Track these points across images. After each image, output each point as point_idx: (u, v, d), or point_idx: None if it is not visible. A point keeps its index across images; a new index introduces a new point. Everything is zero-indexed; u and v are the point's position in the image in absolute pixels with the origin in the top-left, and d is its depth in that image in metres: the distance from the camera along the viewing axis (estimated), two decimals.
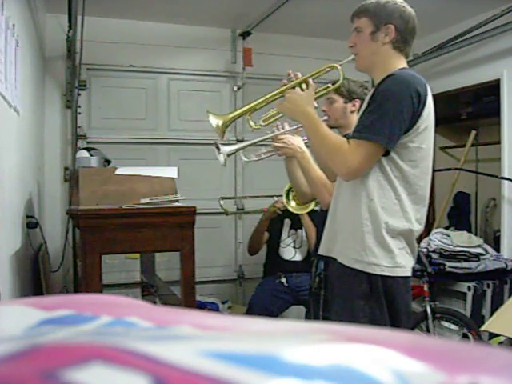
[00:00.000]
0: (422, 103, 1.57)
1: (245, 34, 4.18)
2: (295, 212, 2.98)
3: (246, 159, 2.18)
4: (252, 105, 1.81)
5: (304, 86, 1.75)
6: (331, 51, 4.12)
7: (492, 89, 3.97)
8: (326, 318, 2.14)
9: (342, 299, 1.69)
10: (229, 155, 1.93)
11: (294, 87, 1.75)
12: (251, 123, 1.85)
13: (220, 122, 1.79)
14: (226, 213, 3.70)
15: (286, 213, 3.55)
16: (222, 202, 3.64)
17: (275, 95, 1.79)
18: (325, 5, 3.67)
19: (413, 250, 1.67)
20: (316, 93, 1.79)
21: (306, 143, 2.15)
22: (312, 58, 4.29)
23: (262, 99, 1.80)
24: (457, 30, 3.90)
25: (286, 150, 2.13)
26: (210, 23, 4.15)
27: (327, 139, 1.63)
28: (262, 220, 3.61)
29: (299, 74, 1.78)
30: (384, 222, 1.59)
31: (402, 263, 1.62)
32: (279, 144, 2.12)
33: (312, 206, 2.77)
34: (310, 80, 1.76)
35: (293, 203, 2.87)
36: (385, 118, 1.53)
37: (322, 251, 1.81)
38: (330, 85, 1.90)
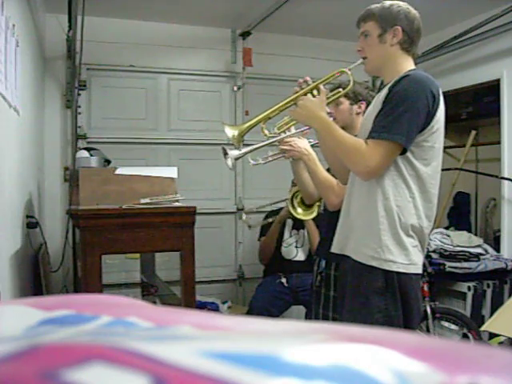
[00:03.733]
0: (436, 104, 1.61)
1: (245, 34, 4.18)
2: (301, 218, 2.95)
3: (253, 162, 2.19)
4: (266, 113, 1.84)
5: (315, 92, 1.78)
6: (331, 51, 4.14)
7: (492, 89, 3.97)
8: (326, 315, 2.17)
9: (356, 296, 1.71)
10: (236, 159, 1.95)
11: (305, 94, 1.78)
12: (266, 132, 1.88)
13: (236, 133, 1.82)
14: (249, 227, 3.65)
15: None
16: (244, 217, 3.60)
17: (288, 103, 1.82)
18: (325, 5, 3.67)
19: (423, 248, 1.71)
20: (327, 98, 1.82)
21: (312, 145, 2.17)
22: (312, 58, 4.31)
23: (275, 107, 1.84)
24: (457, 30, 3.90)
25: (292, 153, 2.15)
26: (210, 23, 4.15)
27: (344, 141, 1.66)
28: (275, 223, 3.56)
29: (309, 79, 1.80)
30: (399, 219, 1.63)
31: (416, 260, 1.66)
32: (286, 147, 2.15)
33: (316, 211, 2.76)
34: (321, 86, 1.79)
35: (299, 210, 2.85)
36: (402, 118, 1.57)
37: (334, 249, 1.83)
38: (340, 89, 1.92)
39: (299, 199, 2.79)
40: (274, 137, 1.95)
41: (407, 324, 1.66)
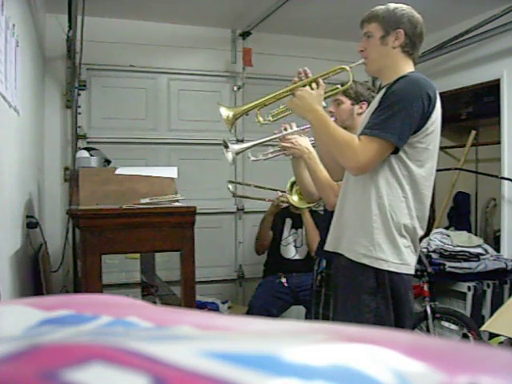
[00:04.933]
0: (431, 106, 1.62)
1: (245, 34, 4.18)
2: (296, 206, 2.98)
3: (253, 158, 2.19)
4: (262, 100, 1.84)
5: (314, 85, 1.78)
6: (331, 51, 4.14)
7: (492, 89, 3.97)
8: (326, 315, 2.17)
9: (347, 294, 1.71)
10: (237, 154, 1.94)
11: (304, 86, 1.78)
12: (260, 118, 1.87)
13: (231, 114, 1.81)
14: (233, 194, 3.74)
15: (288, 212, 3.56)
16: (229, 186, 3.67)
17: (285, 92, 1.82)
18: (325, 5, 3.67)
19: (416, 250, 1.71)
20: (325, 93, 1.83)
21: (313, 144, 2.16)
22: (312, 58, 4.29)
23: (272, 95, 1.84)
24: (457, 30, 3.90)
25: (293, 151, 2.14)
26: (210, 23, 4.15)
27: (337, 135, 1.66)
28: (266, 215, 3.61)
29: (310, 73, 1.81)
30: (392, 218, 1.63)
31: (408, 261, 1.66)
32: (287, 144, 2.14)
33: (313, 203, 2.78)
34: (321, 80, 1.79)
35: (295, 197, 2.87)
36: (396, 117, 1.58)
37: (328, 247, 1.83)
38: (338, 86, 1.92)
39: (298, 188, 2.80)
40: (267, 123, 1.93)
41: (398, 324, 1.65)
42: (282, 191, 3.24)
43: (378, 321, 1.62)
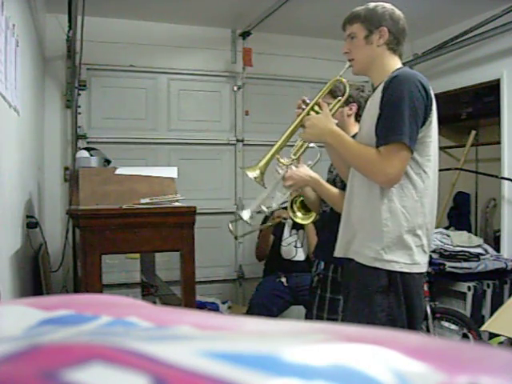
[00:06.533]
0: (429, 98, 1.63)
1: (245, 34, 4.18)
2: (302, 222, 2.92)
3: (267, 211, 2.23)
4: (278, 145, 1.83)
5: (317, 108, 1.79)
6: (331, 51, 4.13)
7: (492, 89, 3.97)
8: (320, 316, 2.19)
9: (360, 296, 1.71)
10: (251, 217, 2.03)
11: (308, 113, 1.78)
12: (282, 161, 1.88)
13: (257, 173, 1.81)
14: (235, 237, 3.72)
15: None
16: (230, 226, 3.65)
17: (295, 127, 1.82)
18: (324, 5, 3.67)
19: (429, 245, 1.72)
20: (330, 110, 1.82)
21: (308, 165, 2.21)
22: (312, 58, 4.31)
23: (284, 136, 1.83)
24: (457, 30, 3.90)
25: (298, 185, 2.17)
26: (210, 23, 4.15)
27: (358, 152, 1.66)
28: (265, 231, 3.59)
29: (306, 98, 1.82)
30: (405, 220, 1.63)
31: (419, 260, 1.66)
32: (290, 183, 2.14)
33: (314, 216, 2.73)
34: (321, 100, 1.80)
35: (299, 214, 2.81)
36: (404, 119, 1.58)
37: (338, 253, 1.82)
38: (340, 97, 1.93)
39: (298, 204, 2.76)
40: (292, 163, 1.95)
41: (410, 323, 1.66)
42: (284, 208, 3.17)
43: (391, 320, 1.62)
